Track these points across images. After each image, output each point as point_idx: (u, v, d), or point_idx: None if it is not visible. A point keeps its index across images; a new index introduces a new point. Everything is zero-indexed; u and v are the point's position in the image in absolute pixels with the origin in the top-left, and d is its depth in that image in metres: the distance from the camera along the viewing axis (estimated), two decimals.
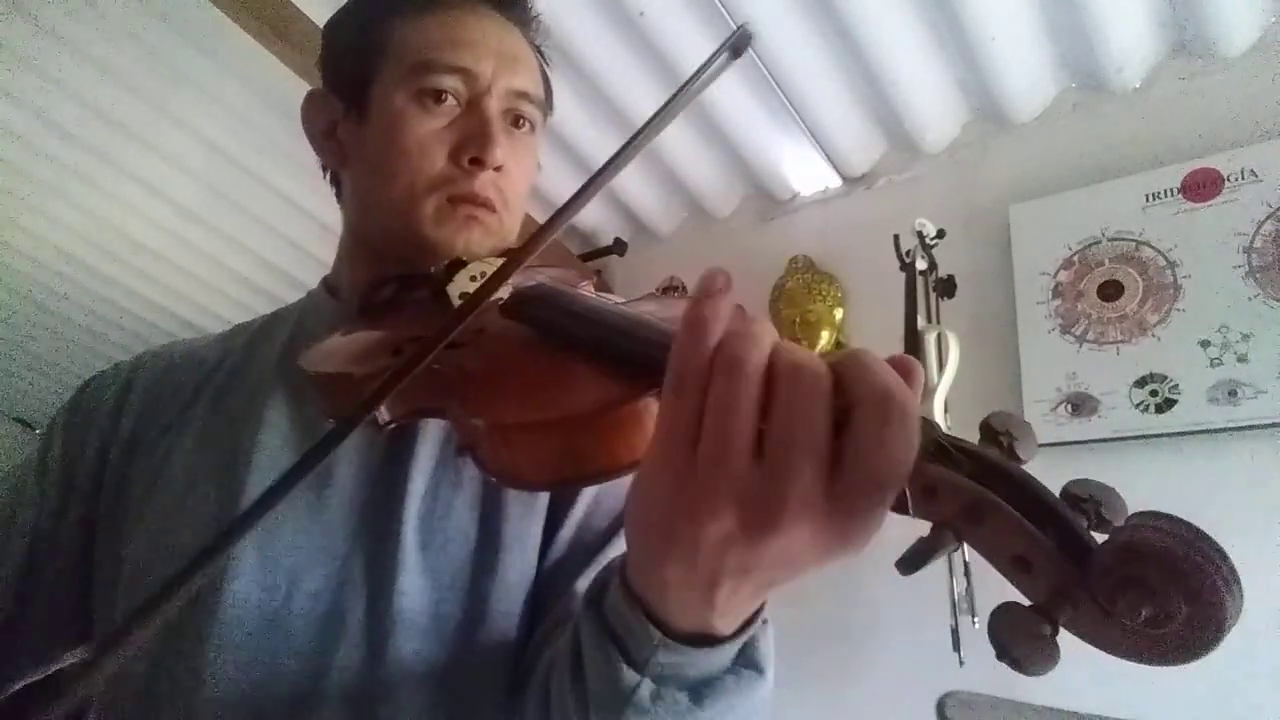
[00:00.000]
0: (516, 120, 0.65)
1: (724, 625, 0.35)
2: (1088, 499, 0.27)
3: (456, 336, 0.46)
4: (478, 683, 0.54)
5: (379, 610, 0.53)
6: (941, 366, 1.56)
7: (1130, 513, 0.27)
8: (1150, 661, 0.25)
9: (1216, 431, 1.40)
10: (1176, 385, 1.45)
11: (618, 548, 0.58)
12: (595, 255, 2.38)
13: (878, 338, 1.81)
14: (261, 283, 2.78)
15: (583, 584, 0.56)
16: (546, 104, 0.69)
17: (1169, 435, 1.44)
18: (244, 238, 2.57)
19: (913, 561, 0.29)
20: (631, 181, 2.19)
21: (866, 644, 1.61)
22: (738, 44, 0.48)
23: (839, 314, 1.95)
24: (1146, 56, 1.62)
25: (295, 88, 1.85)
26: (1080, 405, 1.54)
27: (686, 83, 0.45)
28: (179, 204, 2.41)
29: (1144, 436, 1.47)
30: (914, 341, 1.59)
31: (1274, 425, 1.36)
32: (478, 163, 0.61)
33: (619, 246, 2.33)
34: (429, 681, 0.53)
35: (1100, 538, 0.27)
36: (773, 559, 0.30)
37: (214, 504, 0.56)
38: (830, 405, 0.28)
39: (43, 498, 0.63)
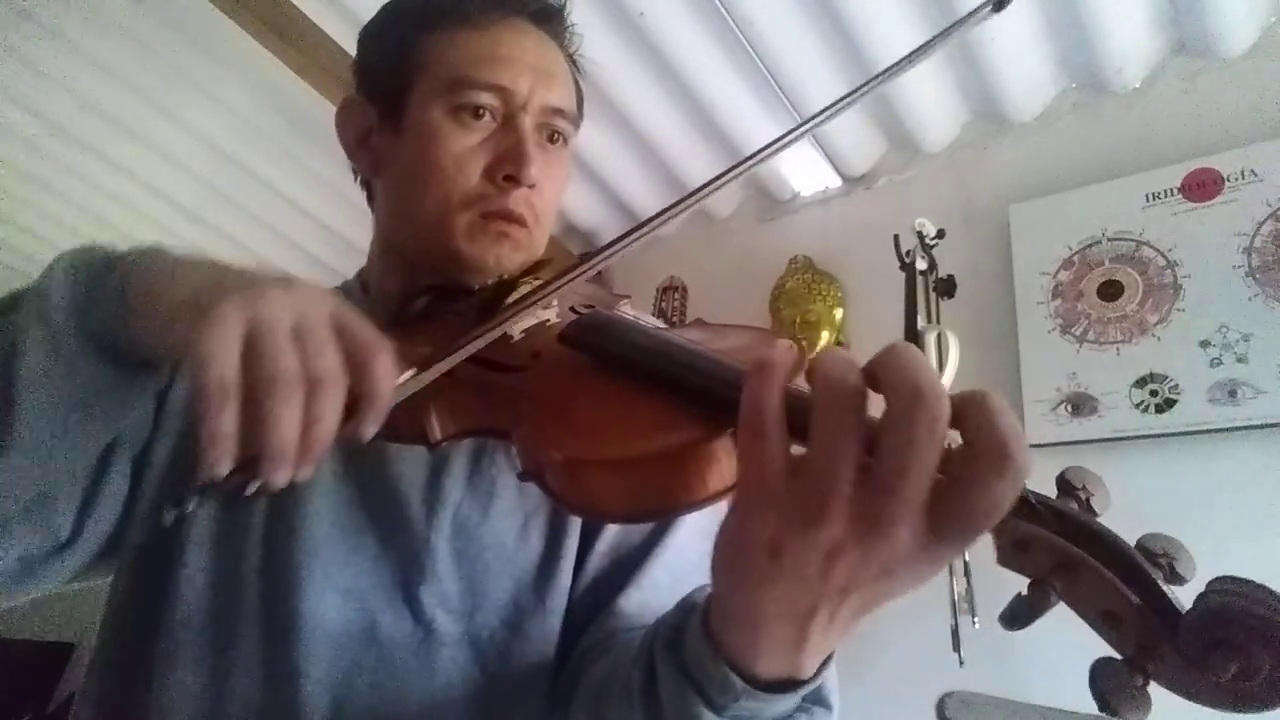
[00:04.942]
0: (551, 135, 0.66)
1: (808, 665, 0.36)
2: (1163, 554, 0.30)
3: (512, 361, 0.48)
4: (517, 697, 0.54)
5: (411, 615, 0.54)
6: (941, 366, 1.56)
7: (1196, 565, 0.30)
8: (1229, 709, 0.28)
9: (1216, 431, 1.40)
10: (1176, 385, 1.45)
11: (659, 564, 0.58)
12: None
13: (878, 338, 1.80)
14: None
15: (624, 603, 0.56)
16: (579, 115, 0.69)
17: (1169, 435, 1.44)
18: (244, 238, 2.56)
19: (1019, 619, 0.31)
20: (631, 181, 2.19)
21: (866, 644, 1.60)
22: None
23: (839, 314, 1.95)
24: (1146, 56, 1.62)
25: (295, 88, 1.85)
26: (1080, 405, 1.54)
27: (948, 29, 0.47)
28: (179, 204, 2.41)
29: (1144, 436, 1.47)
30: (914, 341, 1.59)
31: (1274, 425, 1.36)
32: (512, 180, 0.61)
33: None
34: (466, 691, 0.53)
35: (1170, 589, 0.29)
36: (874, 571, 0.30)
37: (261, 526, 0.56)
38: (945, 436, 0.29)
39: None
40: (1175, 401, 1.45)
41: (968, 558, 1.47)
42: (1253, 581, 0.27)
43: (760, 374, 0.31)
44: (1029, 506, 0.31)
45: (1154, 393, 1.47)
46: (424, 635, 0.53)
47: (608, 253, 0.47)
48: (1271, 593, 0.26)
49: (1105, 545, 0.30)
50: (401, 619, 0.54)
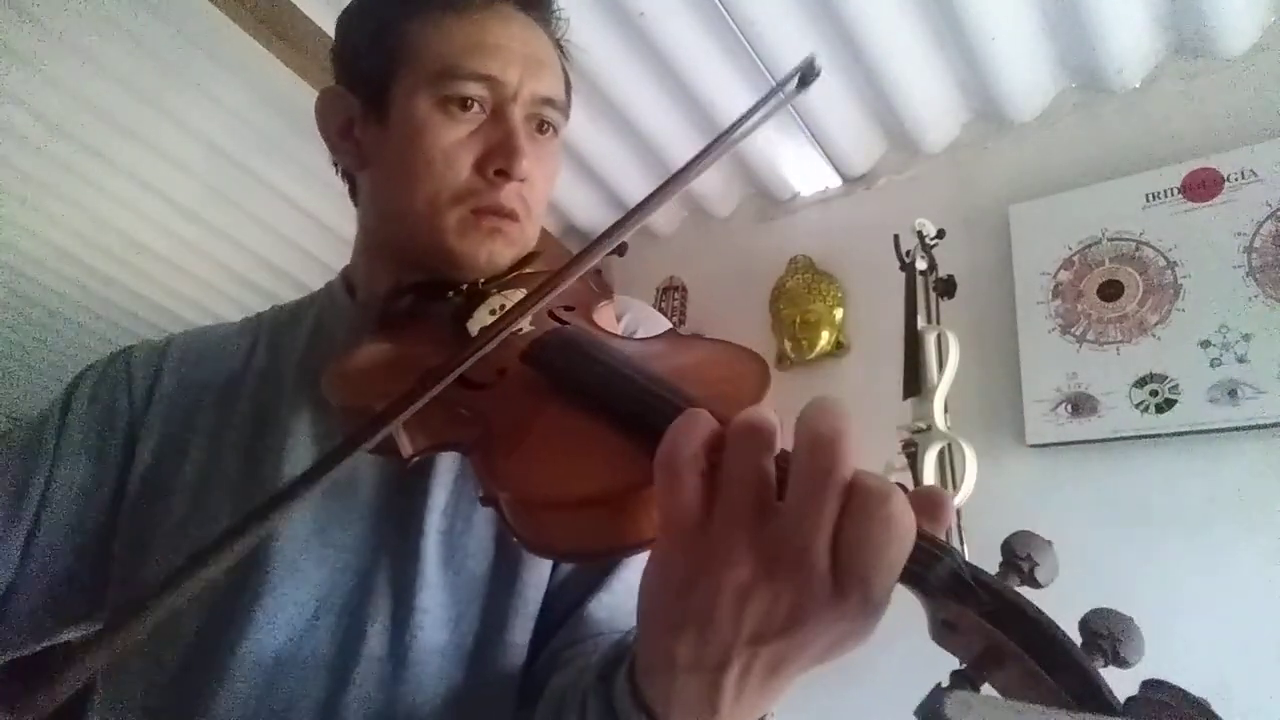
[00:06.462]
0: (540, 125, 0.64)
1: None
2: (1106, 635, 0.28)
3: (478, 377, 0.47)
4: (493, 705, 0.54)
5: (399, 624, 0.53)
6: (941, 366, 1.56)
7: (1143, 652, 0.28)
8: None
9: (1216, 431, 1.40)
10: (1176, 385, 1.45)
11: (631, 570, 0.57)
12: None
13: (878, 338, 1.81)
14: (261, 283, 2.78)
15: (594, 607, 0.55)
16: (568, 103, 0.67)
17: (1169, 435, 1.44)
18: (244, 238, 2.56)
19: (933, 715, 0.29)
20: (630, 181, 2.19)
21: (866, 644, 1.60)
22: (805, 73, 0.49)
23: (839, 314, 1.95)
24: (1146, 56, 1.62)
25: (295, 88, 1.85)
26: (1080, 405, 1.54)
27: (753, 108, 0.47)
28: (179, 204, 2.41)
29: (1144, 436, 1.46)
30: (914, 341, 1.59)
31: (1274, 425, 1.35)
32: (503, 174, 0.59)
33: (619, 246, 2.33)
34: (449, 699, 0.52)
35: (1108, 669, 0.28)
36: (783, 617, 0.30)
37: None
38: (841, 483, 0.29)
39: (57, 458, 0.60)
40: (1175, 401, 1.45)
41: (968, 556, 1.47)
42: (1186, 693, 0.26)
43: (684, 421, 0.32)
44: (960, 583, 0.29)
45: (1154, 393, 1.47)
46: (411, 645, 0.52)
47: (575, 269, 0.47)
48: (1202, 708, 0.25)
49: (1038, 633, 0.28)
50: (389, 631, 0.53)
